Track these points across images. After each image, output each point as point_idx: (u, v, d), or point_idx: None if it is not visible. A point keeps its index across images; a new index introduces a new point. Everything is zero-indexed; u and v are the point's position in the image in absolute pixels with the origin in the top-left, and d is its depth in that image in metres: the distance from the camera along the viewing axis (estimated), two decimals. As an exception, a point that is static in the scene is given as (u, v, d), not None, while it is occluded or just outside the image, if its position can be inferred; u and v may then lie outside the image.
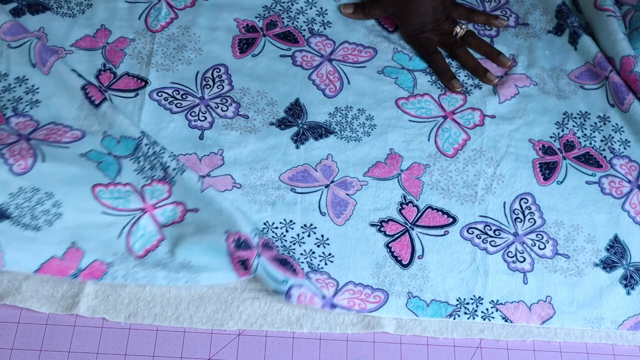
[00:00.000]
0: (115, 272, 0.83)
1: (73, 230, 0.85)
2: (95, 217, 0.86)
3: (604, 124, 1.00)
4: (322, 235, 0.89)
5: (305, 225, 0.89)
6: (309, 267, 0.86)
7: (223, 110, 0.97)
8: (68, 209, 0.86)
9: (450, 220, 0.91)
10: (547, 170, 0.95)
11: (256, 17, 1.07)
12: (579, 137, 0.99)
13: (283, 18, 1.07)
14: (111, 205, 0.87)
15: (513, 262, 0.88)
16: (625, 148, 0.98)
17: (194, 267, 0.83)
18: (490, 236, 0.90)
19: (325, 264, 0.87)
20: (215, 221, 0.86)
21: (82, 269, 0.83)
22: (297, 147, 0.95)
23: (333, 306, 0.83)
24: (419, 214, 0.91)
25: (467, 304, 0.85)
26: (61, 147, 0.90)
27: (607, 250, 0.90)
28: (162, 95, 0.98)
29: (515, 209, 0.92)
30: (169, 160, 0.90)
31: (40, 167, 0.88)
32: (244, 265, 0.83)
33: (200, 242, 0.85)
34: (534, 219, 0.91)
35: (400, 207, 0.91)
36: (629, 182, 0.95)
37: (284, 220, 0.89)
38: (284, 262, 0.85)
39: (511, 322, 0.84)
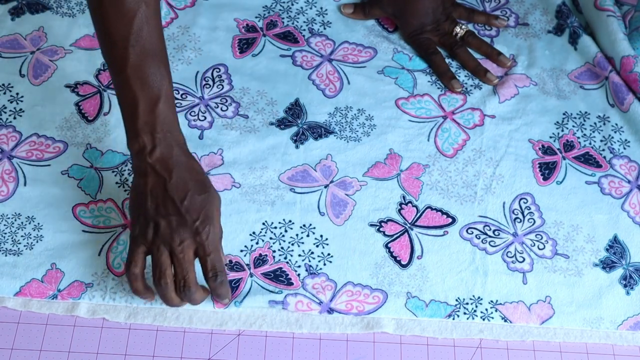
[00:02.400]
0: (94, 292, 0.83)
1: (53, 252, 0.85)
2: (76, 237, 0.87)
3: (604, 124, 1.00)
4: (321, 236, 0.89)
5: (304, 225, 0.89)
6: (306, 270, 0.86)
7: (223, 110, 0.98)
8: (49, 230, 0.87)
9: (450, 220, 0.91)
10: (546, 170, 0.95)
11: (256, 17, 1.07)
12: (578, 137, 0.99)
13: (283, 18, 1.07)
14: (92, 223, 0.88)
15: (512, 262, 0.88)
16: (624, 148, 0.98)
17: None
18: (490, 236, 0.90)
19: (324, 264, 0.87)
20: None
21: (61, 289, 0.83)
22: (297, 147, 0.95)
23: (330, 311, 0.83)
24: (419, 214, 0.91)
25: (467, 304, 0.85)
26: (43, 166, 0.91)
27: (607, 250, 0.90)
28: (162, 95, 0.98)
29: (515, 209, 0.92)
30: None
31: (21, 192, 0.89)
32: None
33: None
34: (533, 219, 0.91)
35: (399, 207, 0.91)
36: (629, 182, 0.95)
37: (283, 220, 0.89)
38: (278, 275, 0.85)
39: (511, 322, 0.84)
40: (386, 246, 0.88)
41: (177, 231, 0.77)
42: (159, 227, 0.77)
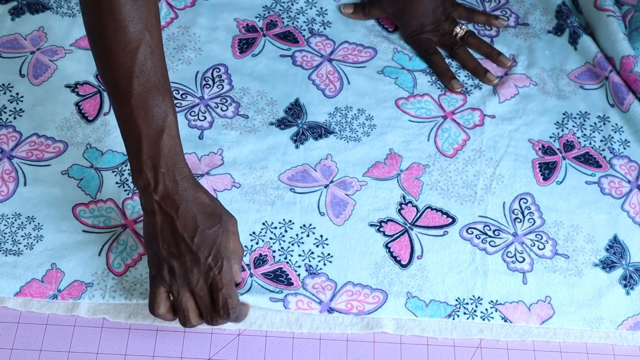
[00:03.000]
0: (94, 292, 0.83)
1: (53, 252, 0.85)
2: (76, 237, 0.87)
3: (604, 124, 1.00)
4: (321, 236, 0.89)
5: (304, 225, 0.89)
6: (306, 270, 0.86)
7: (223, 110, 0.98)
8: (49, 230, 0.87)
9: (450, 220, 0.91)
10: (546, 170, 0.95)
11: (256, 17, 1.07)
12: (578, 137, 0.99)
13: (283, 18, 1.07)
14: (92, 223, 0.88)
15: (512, 262, 0.88)
16: (624, 148, 0.98)
17: None
18: (490, 236, 0.90)
19: (324, 264, 0.87)
20: None
21: (61, 289, 0.83)
22: (297, 147, 0.95)
23: (330, 311, 0.83)
24: (419, 214, 0.91)
25: (467, 304, 0.85)
26: (43, 166, 0.91)
27: (607, 250, 0.90)
28: (162, 95, 0.98)
29: (515, 209, 0.92)
30: None
31: (21, 192, 0.89)
32: None
33: None
34: (533, 219, 0.91)
35: (399, 207, 0.91)
36: (629, 182, 0.95)
37: (283, 220, 0.89)
38: (278, 276, 0.85)
39: (510, 322, 0.84)
40: (386, 246, 0.88)
41: (192, 271, 0.76)
42: (174, 269, 0.76)
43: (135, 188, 0.79)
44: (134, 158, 0.77)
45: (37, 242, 0.86)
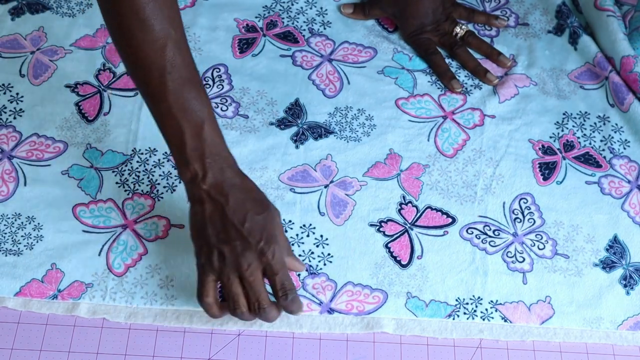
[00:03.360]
0: (94, 292, 0.83)
1: (53, 252, 0.86)
2: (76, 237, 0.87)
3: (604, 124, 1.00)
4: (321, 236, 0.89)
5: (304, 225, 0.89)
6: (306, 270, 0.86)
7: (223, 110, 0.98)
8: (49, 230, 0.87)
9: (450, 220, 0.91)
10: (546, 171, 0.95)
11: (256, 17, 1.07)
12: (578, 137, 0.99)
13: (283, 18, 1.07)
14: (92, 223, 0.88)
15: (512, 262, 0.88)
16: (624, 148, 0.98)
17: (174, 286, 0.84)
18: (490, 236, 0.90)
19: (324, 264, 0.87)
20: None
21: (61, 290, 0.83)
22: (297, 147, 0.95)
23: (330, 311, 0.83)
24: (419, 214, 0.91)
25: (467, 304, 0.85)
26: (43, 166, 0.91)
27: (607, 250, 0.90)
28: (162, 95, 0.98)
29: (515, 209, 0.92)
30: (160, 179, 0.90)
31: (21, 192, 0.89)
32: (222, 297, 0.83)
33: (190, 262, 0.85)
34: (533, 219, 0.91)
35: (399, 207, 0.91)
36: (629, 182, 0.95)
37: (283, 220, 0.89)
38: None
39: (510, 322, 0.84)
40: (386, 246, 0.88)
41: (242, 256, 0.76)
42: (224, 255, 0.76)
43: (180, 180, 0.81)
44: (178, 152, 0.78)
45: (37, 242, 0.86)
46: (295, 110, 0.98)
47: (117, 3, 0.73)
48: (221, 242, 0.76)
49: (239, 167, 0.80)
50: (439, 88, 1.02)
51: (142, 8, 0.73)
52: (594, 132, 0.99)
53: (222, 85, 1.00)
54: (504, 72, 1.04)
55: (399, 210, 0.91)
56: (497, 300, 0.85)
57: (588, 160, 0.97)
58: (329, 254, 0.87)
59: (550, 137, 0.98)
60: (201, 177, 0.77)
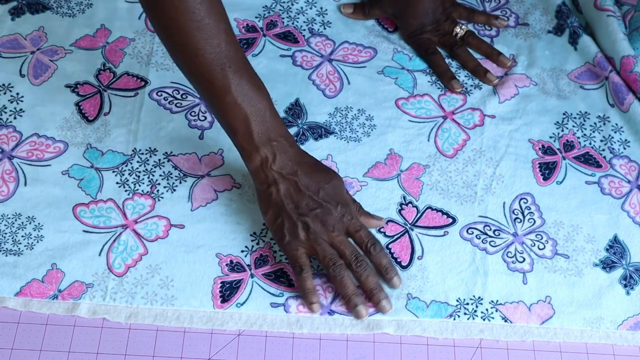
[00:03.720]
0: (94, 292, 0.83)
1: (54, 252, 0.85)
2: (76, 237, 0.87)
3: (604, 124, 1.00)
4: (322, 236, 0.89)
5: (305, 226, 0.89)
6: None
7: (223, 110, 0.97)
8: (49, 231, 0.87)
9: (450, 220, 0.91)
10: (546, 171, 0.95)
11: (256, 17, 1.07)
12: (578, 137, 0.99)
13: (283, 18, 1.07)
14: (92, 223, 0.88)
15: (513, 262, 0.88)
16: (624, 148, 0.98)
17: (174, 286, 0.84)
18: (490, 236, 0.90)
19: (325, 264, 0.87)
20: (205, 242, 0.86)
21: (62, 290, 0.83)
22: (297, 147, 0.95)
23: (331, 313, 0.83)
24: (419, 215, 0.91)
25: (467, 304, 0.85)
26: (43, 167, 0.91)
27: (607, 250, 0.90)
28: (161, 95, 0.98)
29: (515, 209, 0.92)
30: (161, 179, 0.91)
31: (21, 192, 0.89)
32: (222, 297, 0.83)
33: (190, 262, 0.85)
34: (533, 219, 0.91)
35: (399, 207, 0.91)
36: (629, 182, 0.95)
37: (284, 220, 0.89)
38: (279, 276, 0.85)
39: (511, 322, 0.84)
40: (386, 247, 0.88)
41: (326, 221, 0.82)
42: (308, 225, 0.82)
43: (246, 170, 0.85)
44: (245, 141, 0.82)
45: (38, 242, 0.86)
46: (296, 110, 0.98)
47: (170, 5, 0.75)
48: (302, 214, 0.82)
49: (298, 145, 0.85)
50: (439, 88, 1.02)
51: (196, 8, 0.76)
52: (594, 132, 0.99)
53: (222, 85, 1.00)
54: (504, 72, 1.04)
55: (399, 211, 0.91)
56: (497, 301, 0.85)
57: (588, 160, 0.97)
58: (329, 254, 0.87)
59: (550, 137, 0.98)
60: (272, 160, 0.82)
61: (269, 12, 1.08)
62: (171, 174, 0.92)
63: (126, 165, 0.92)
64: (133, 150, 0.93)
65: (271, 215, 0.84)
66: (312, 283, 0.82)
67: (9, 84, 0.98)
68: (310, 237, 0.82)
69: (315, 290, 0.82)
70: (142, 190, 0.90)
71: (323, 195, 0.83)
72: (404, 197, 0.92)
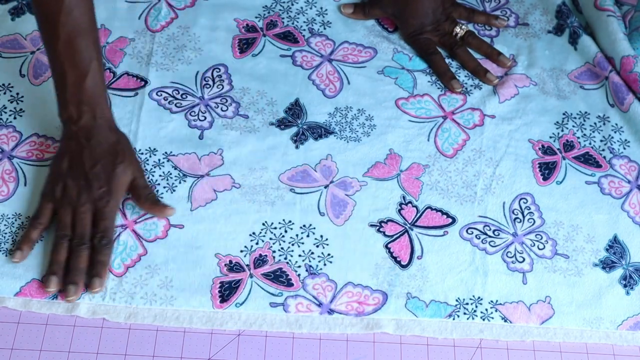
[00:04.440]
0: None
1: None
2: None
3: (604, 124, 1.00)
4: (321, 236, 0.89)
5: (304, 226, 0.89)
6: (306, 270, 0.86)
7: (223, 110, 0.98)
8: (48, 230, 0.86)
9: (450, 220, 0.91)
10: (546, 170, 0.95)
11: (256, 17, 1.07)
12: (578, 137, 0.99)
13: (283, 18, 1.07)
14: None
15: (512, 262, 0.88)
16: (624, 148, 0.98)
17: (174, 286, 0.84)
18: (490, 236, 0.90)
19: (324, 264, 0.87)
20: (204, 242, 0.87)
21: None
22: (297, 147, 0.95)
23: (330, 312, 0.83)
24: (418, 215, 0.91)
25: (467, 304, 0.85)
26: (43, 167, 0.91)
27: (607, 250, 0.90)
28: (161, 95, 0.98)
29: (515, 209, 0.92)
30: (160, 179, 0.91)
31: (21, 192, 0.89)
32: (222, 297, 0.83)
33: (189, 262, 0.85)
34: (533, 219, 0.91)
35: (399, 207, 0.91)
36: (629, 182, 0.95)
37: (283, 220, 0.89)
38: (278, 276, 0.85)
39: (510, 322, 0.84)
40: (386, 246, 0.88)
41: (81, 194, 0.84)
42: (67, 187, 0.85)
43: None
44: (61, 94, 0.86)
45: (38, 241, 0.86)
46: (295, 110, 0.98)
47: None
48: (69, 176, 0.85)
49: (115, 124, 0.89)
50: (439, 88, 1.02)
51: None
52: (594, 132, 0.99)
53: (222, 85, 1.00)
54: (504, 72, 1.04)
55: (399, 211, 0.91)
56: (497, 301, 0.85)
57: (588, 160, 0.97)
58: (329, 254, 0.87)
59: (550, 137, 0.98)
60: (75, 120, 0.86)
61: (269, 12, 1.08)
62: (171, 174, 0.92)
63: None
64: None
65: (53, 162, 0.87)
66: (36, 235, 0.84)
67: (9, 84, 0.98)
68: (61, 198, 0.85)
69: (32, 242, 0.84)
70: None
71: (95, 172, 0.84)
72: (404, 197, 0.92)
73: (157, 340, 0.81)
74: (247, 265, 0.86)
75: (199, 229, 0.88)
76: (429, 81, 1.02)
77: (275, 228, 0.89)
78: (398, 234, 0.89)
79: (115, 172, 0.85)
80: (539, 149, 0.97)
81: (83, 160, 0.85)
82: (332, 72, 1.02)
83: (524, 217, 0.92)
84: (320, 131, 0.97)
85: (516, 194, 0.93)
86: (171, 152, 0.93)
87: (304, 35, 1.06)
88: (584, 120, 1.00)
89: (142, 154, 0.93)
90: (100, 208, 0.84)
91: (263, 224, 0.89)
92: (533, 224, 0.91)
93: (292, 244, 0.88)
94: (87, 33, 0.84)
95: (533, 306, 0.85)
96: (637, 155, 0.97)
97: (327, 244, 0.88)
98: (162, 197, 0.90)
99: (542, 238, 0.90)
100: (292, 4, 1.08)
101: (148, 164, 0.92)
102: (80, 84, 0.85)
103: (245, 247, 0.87)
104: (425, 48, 1.04)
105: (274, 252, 0.87)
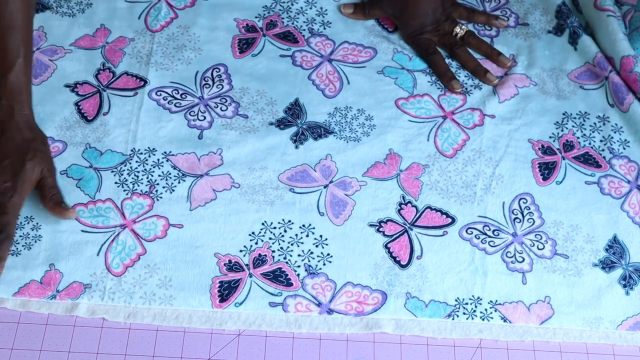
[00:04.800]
0: (92, 292, 0.83)
1: (52, 252, 0.85)
2: (75, 237, 0.86)
3: (604, 124, 1.00)
4: (321, 236, 0.89)
5: (303, 226, 0.89)
6: (305, 270, 0.86)
7: (222, 110, 0.98)
8: (47, 231, 0.86)
9: (449, 220, 0.91)
10: (546, 171, 0.95)
11: (256, 17, 1.07)
12: (578, 137, 0.99)
13: (283, 18, 1.07)
14: (90, 223, 0.87)
15: (512, 262, 0.88)
16: (624, 148, 0.98)
17: (173, 286, 0.84)
18: (489, 236, 0.90)
19: (324, 264, 0.87)
20: (203, 241, 0.87)
21: (60, 290, 0.83)
22: (297, 147, 0.95)
23: (330, 312, 0.83)
24: (418, 214, 0.91)
25: (466, 304, 0.85)
26: None
27: (606, 250, 0.90)
28: (161, 95, 0.98)
29: (514, 209, 0.92)
30: (160, 179, 0.91)
31: None
32: (221, 296, 0.83)
33: (188, 261, 0.85)
34: (532, 219, 0.91)
35: (399, 207, 0.91)
36: (628, 182, 0.95)
37: (283, 220, 0.89)
38: (278, 276, 0.85)
39: (510, 322, 0.84)
40: (386, 246, 0.88)
41: None
42: None
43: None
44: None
45: (36, 242, 0.86)
46: (295, 110, 0.98)
47: None
48: None
49: (34, 123, 0.89)
50: (438, 88, 1.02)
51: None
52: (593, 132, 0.99)
53: (222, 85, 1.00)
54: (504, 72, 1.04)
55: (399, 211, 0.91)
56: (496, 301, 0.85)
57: (588, 160, 0.97)
58: (328, 254, 0.87)
59: (550, 137, 0.98)
60: None
61: (269, 12, 1.08)
62: (170, 173, 0.92)
63: (125, 165, 0.92)
64: (132, 150, 0.93)
65: None
66: None
67: None
68: None
69: None
70: (141, 190, 0.90)
71: (4, 166, 0.84)
72: (403, 197, 0.92)
73: (157, 340, 0.81)
74: (247, 265, 0.86)
75: (198, 229, 0.88)
76: (428, 81, 1.02)
77: (275, 228, 0.89)
78: (397, 234, 0.89)
79: (24, 169, 0.84)
80: (539, 149, 0.97)
81: None
82: (332, 72, 1.02)
83: (523, 217, 0.92)
84: (319, 131, 0.97)
85: (516, 194, 0.93)
86: (170, 151, 0.93)
87: (303, 35, 1.06)
88: (584, 121, 1.00)
89: (141, 154, 0.93)
90: (2, 202, 0.83)
91: (262, 224, 0.89)
92: (533, 224, 0.91)
93: (292, 244, 0.88)
94: (19, 29, 0.86)
95: (533, 306, 0.85)
96: (636, 155, 0.97)
97: (327, 244, 0.88)
98: (161, 197, 0.90)
99: (541, 238, 0.90)
100: (292, 4, 1.08)
101: (147, 164, 0.92)
102: (4, 77, 0.86)
103: (245, 246, 0.87)
104: (425, 48, 1.04)
105: (273, 251, 0.87)
